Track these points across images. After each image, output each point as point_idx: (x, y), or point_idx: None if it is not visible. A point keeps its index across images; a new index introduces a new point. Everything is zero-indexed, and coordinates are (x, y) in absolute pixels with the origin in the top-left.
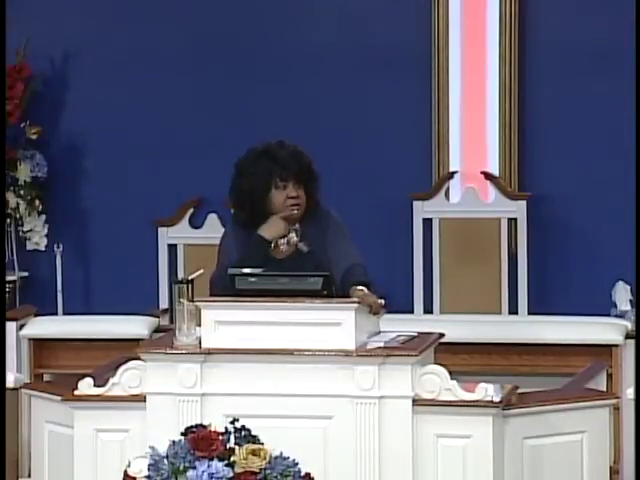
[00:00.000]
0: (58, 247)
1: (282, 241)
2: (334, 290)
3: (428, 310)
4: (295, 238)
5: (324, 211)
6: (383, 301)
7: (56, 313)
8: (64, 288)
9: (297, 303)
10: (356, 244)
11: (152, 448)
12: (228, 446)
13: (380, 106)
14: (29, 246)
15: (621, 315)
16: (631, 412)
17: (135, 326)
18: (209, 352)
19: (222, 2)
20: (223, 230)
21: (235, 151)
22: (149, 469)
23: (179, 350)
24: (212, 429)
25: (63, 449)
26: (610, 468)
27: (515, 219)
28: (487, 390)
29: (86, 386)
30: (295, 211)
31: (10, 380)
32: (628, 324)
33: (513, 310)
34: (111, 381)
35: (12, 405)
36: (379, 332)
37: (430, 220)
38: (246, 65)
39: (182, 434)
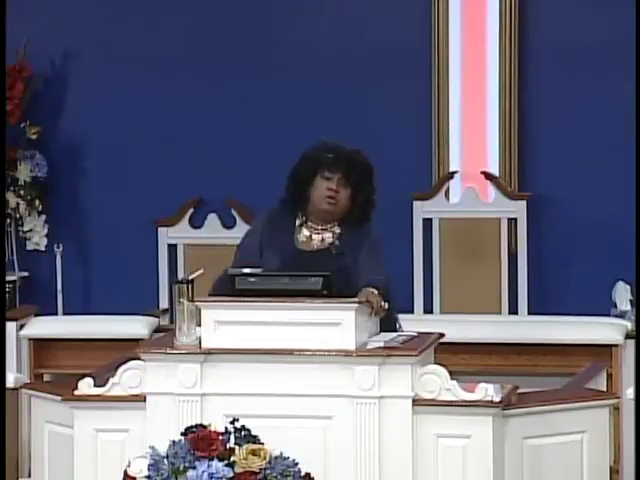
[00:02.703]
0: (58, 247)
1: (317, 237)
2: (334, 290)
3: (428, 310)
4: (331, 238)
5: (367, 227)
6: (387, 304)
7: (56, 313)
8: (64, 288)
9: (297, 303)
10: (385, 262)
11: (152, 448)
12: (228, 446)
13: (380, 106)
14: (29, 246)
15: (621, 315)
16: (631, 412)
17: (135, 326)
18: (209, 352)
19: (222, 3)
20: (235, 229)
21: (235, 151)
22: (149, 469)
23: (179, 350)
24: (212, 429)
25: (63, 449)
26: (610, 468)
27: (515, 219)
28: (487, 390)
29: (86, 386)
30: (330, 203)
31: (10, 380)
32: (628, 324)
33: (513, 310)
34: (111, 381)
35: (12, 405)
36: (379, 332)
37: (430, 220)
38: (246, 66)
39: (182, 434)
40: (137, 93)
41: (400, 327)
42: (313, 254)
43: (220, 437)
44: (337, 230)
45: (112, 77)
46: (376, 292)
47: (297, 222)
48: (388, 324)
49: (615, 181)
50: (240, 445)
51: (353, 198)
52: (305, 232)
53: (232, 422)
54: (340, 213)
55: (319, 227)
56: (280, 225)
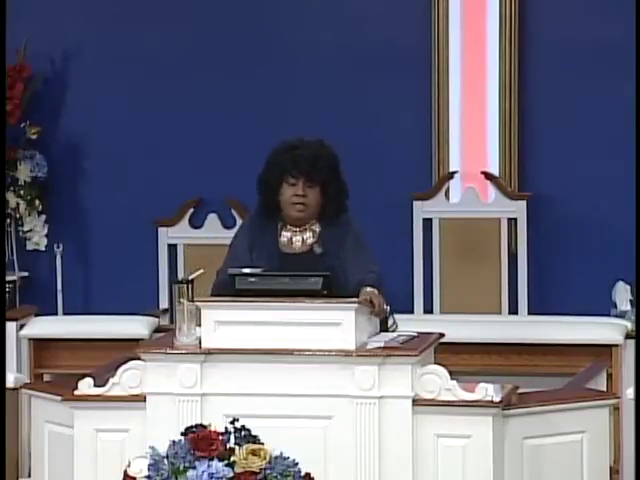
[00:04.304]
0: (58, 247)
1: (297, 238)
2: (334, 290)
3: (428, 310)
4: (311, 239)
5: (346, 219)
6: (388, 308)
7: (56, 313)
8: (64, 288)
9: (297, 303)
10: (372, 252)
11: (152, 448)
12: (228, 446)
13: (380, 106)
14: (29, 246)
15: (621, 315)
16: (631, 412)
17: (135, 326)
18: (209, 352)
19: (222, 2)
20: (235, 229)
21: (235, 151)
22: (149, 469)
23: (179, 350)
24: (212, 429)
25: (63, 449)
26: (610, 468)
27: (515, 219)
28: (487, 390)
29: (86, 386)
30: (298, 208)
31: (10, 380)
32: (628, 324)
33: (513, 310)
34: (111, 381)
35: (12, 405)
36: (379, 332)
37: (430, 220)
38: (246, 65)
39: (182, 434)
40: (137, 93)
41: (394, 322)
42: (297, 257)
43: (220, 437)
44: (316, 228)
45: (112, 77)
46: (376, 292)
47: (278, 225)
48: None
49: (615, 181)
50: (240, 445)
51: (324, 193)
52: (286, 234)
53: (232, 422)
54: (313, 213)
55: (297, 229)
56: (264, 228)
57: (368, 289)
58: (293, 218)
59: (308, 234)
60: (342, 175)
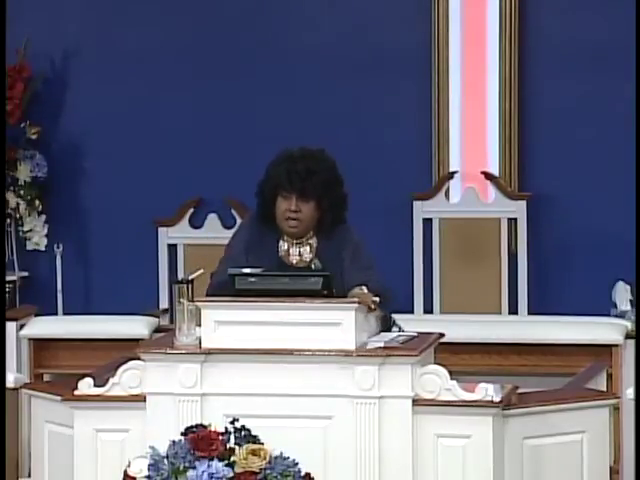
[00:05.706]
0: (58, 247)
1: (294, 250)
2: (334, 290)
3: (428, 310)
4: (308, 253)
5: (343, 232)
6: (377, 299)
7: (56, 313)
8: (64, 288)
9: (297, 303)
10: (372, 262)
11: (152, 448)
12: (228, 446)
13: (380, 106)
14: (29, 246)
15: (621, 315)
16: (631, 412)
17: (135, 326)
18: (209, 352)
19: (222, 3)
20: (226, 230)
21: (235, 151)
22: (149, 469)
23: (179, 350)
24: (212, 429)
25: (63, 449)
26: (610, 468)
27: (515, 219)
28: (487, 390)
29: (86, 386)
30: (292, 224)
31: (10, 380)
32: (628, 324)
33: (513, 310)
34: (111, 381)
35: (12, 405)
36: (379, 332)
37: (430, 220)
38: (246, 65)
39: (182, 434)
40: (137, 93)
41: (393, 324)
42: (295, 271)
43: (220, 437)
44: (313, 242)
45: (112, 77)
46: (364, 289)
47: (277, 233)
48: (383, 325)
49: (615, 181)
50: (240, 445)
51: (319, 205)
52: (283, 245)
53: (232, 422)
54: (307, 227)
55: (294, 240)
56: (263, 232)
57: (355, 289)
58: (287, 232)
59: (305, 248)
60: (340, 187)
